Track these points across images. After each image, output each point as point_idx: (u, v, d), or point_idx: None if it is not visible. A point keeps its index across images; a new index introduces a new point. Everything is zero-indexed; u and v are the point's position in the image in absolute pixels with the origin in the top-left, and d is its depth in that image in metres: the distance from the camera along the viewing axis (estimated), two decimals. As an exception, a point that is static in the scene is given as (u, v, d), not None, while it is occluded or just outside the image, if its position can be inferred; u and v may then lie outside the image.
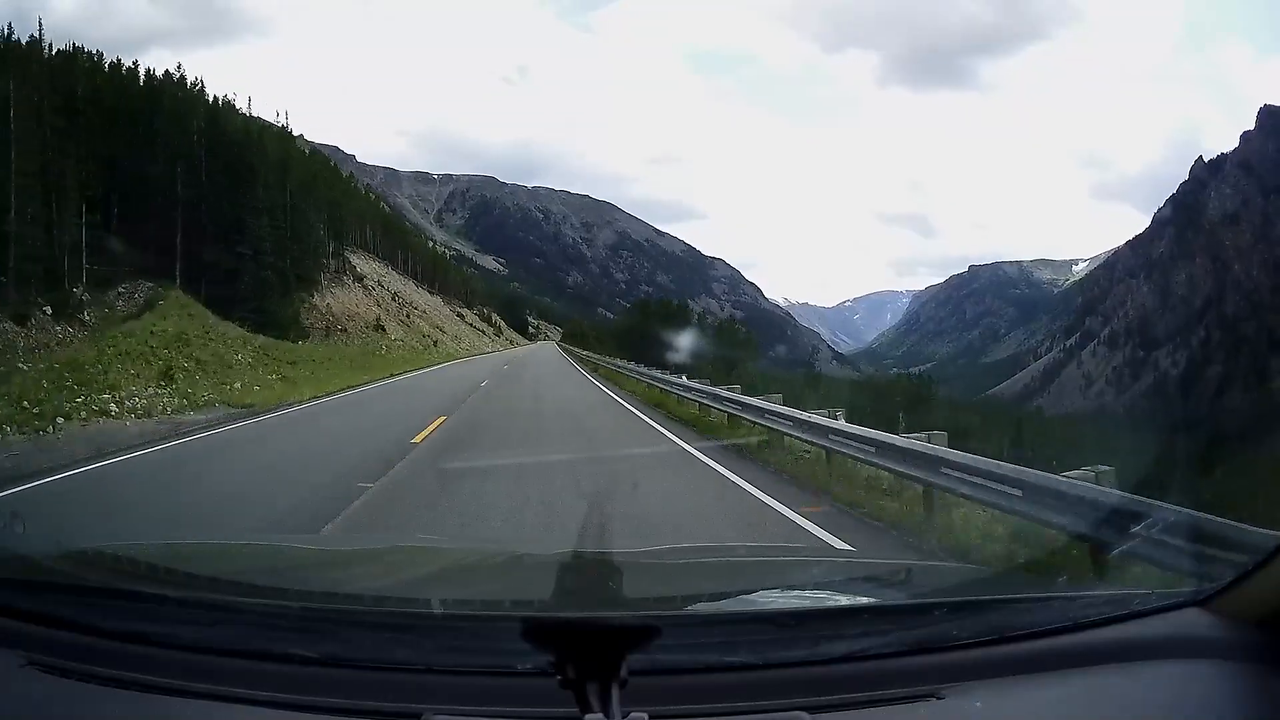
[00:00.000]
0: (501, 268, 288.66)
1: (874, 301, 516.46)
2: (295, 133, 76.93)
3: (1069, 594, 1.62)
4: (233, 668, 1.10)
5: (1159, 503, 3.46)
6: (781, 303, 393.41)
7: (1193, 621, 1.26)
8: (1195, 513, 2.98)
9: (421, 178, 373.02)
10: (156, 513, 6.53)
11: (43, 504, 6.70)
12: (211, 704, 1.06)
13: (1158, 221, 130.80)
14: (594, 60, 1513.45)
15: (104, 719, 1.08)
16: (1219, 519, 2.88)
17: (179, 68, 52.80)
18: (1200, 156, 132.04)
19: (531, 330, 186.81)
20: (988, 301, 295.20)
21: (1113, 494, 3.97)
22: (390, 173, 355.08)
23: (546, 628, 1.02)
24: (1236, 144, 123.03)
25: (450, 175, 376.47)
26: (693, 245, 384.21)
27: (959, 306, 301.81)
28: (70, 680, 1.11)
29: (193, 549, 2.21)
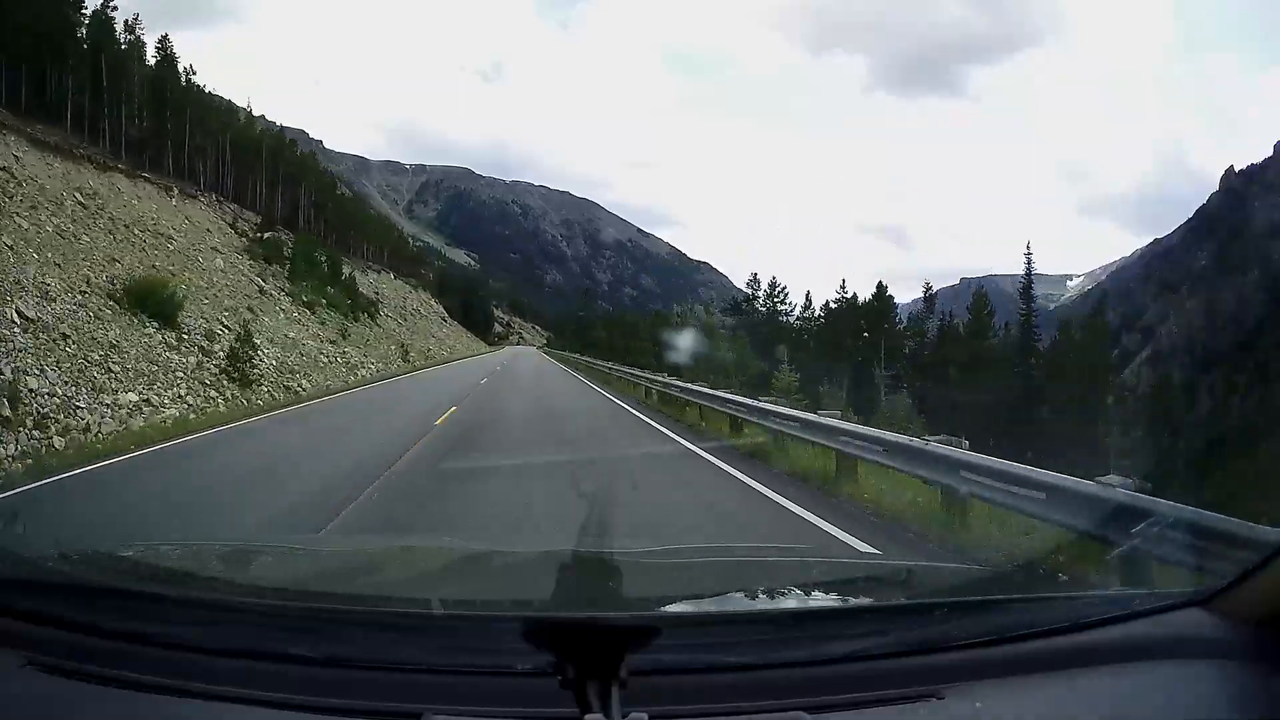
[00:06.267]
0: (474, 262, 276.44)
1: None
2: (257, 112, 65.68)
3: (1069, 594, 1.62)
4: (233, 668, 1.10)
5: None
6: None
7: (1193, 621, 1.25)
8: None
9: (392, 167, 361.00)
10: None
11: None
12: (211, 704, 1.06)
13: (1189, 233, 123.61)
14: (570, 58, 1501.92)
15: (104, 719, 1.07)
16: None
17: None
18: (1231, 166, 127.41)
19: (500, 329, 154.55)
20: (983, 316, 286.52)
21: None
22: (360, 161, 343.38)
23: (546, 628, 1.02)
24: (1270, 153, 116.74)
25: (423, 166, 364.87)
26: (678, 248, 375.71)
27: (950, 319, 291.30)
28: (70, 680, 1.10)
29: (193, 549, 2.17)
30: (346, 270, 51.94)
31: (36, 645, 1.15)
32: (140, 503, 7.53)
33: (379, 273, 72.62)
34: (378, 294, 59.95)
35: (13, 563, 1.52)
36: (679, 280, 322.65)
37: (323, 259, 48.17)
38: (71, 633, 1.17)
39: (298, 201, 64.01)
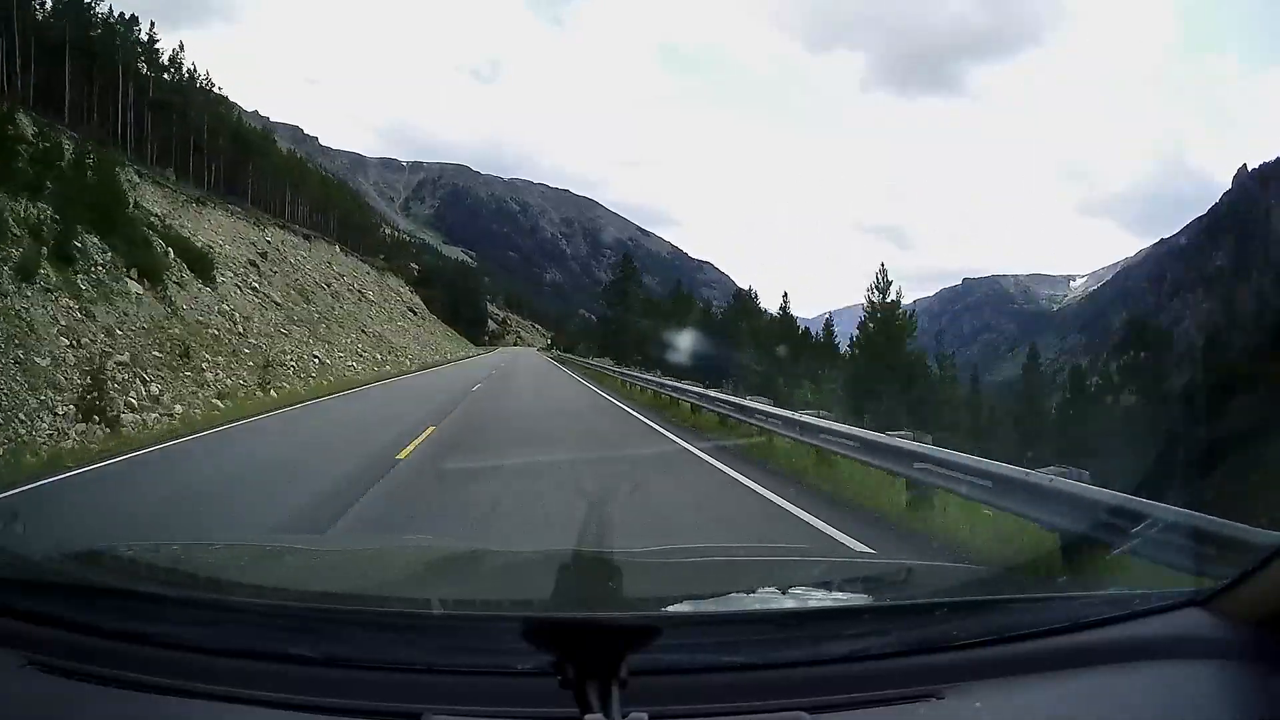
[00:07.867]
0: (471, 261, 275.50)
1: (854, 314, 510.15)
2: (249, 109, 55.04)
3: (1069, 594, 1.62)
4: (233, 668, 1.10)
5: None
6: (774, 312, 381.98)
7: (1193, 621, 1.25)
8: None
9: (389, 164, 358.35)
10: None
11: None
12: (211, 704, 1.06)
13: (1204, 232, 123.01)
14: (567, 55, 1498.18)
15: (104, 719, 1.07)
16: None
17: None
18: (1244, 165, 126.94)
19: (495, 327, 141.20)
20: (986, 316, 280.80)
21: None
22: (356, 158, 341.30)
23: (546, 628, 1.03)
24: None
25: (420, 163, 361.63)
26: (680, 247, 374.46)
27: (954, 321, 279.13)
28: (70, 680, 1.10)
29: (193, 549, 2.18)
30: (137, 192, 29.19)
31: (36, 645, 1.15)
32: None
33: (312, 240, 53.69)
34: (264, 255, 39.36)
35: (13, 563, 1.51)
36: (681, 279, 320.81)
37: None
38: (71, 633, 1.17)
39: (127, 100, 41.33)
